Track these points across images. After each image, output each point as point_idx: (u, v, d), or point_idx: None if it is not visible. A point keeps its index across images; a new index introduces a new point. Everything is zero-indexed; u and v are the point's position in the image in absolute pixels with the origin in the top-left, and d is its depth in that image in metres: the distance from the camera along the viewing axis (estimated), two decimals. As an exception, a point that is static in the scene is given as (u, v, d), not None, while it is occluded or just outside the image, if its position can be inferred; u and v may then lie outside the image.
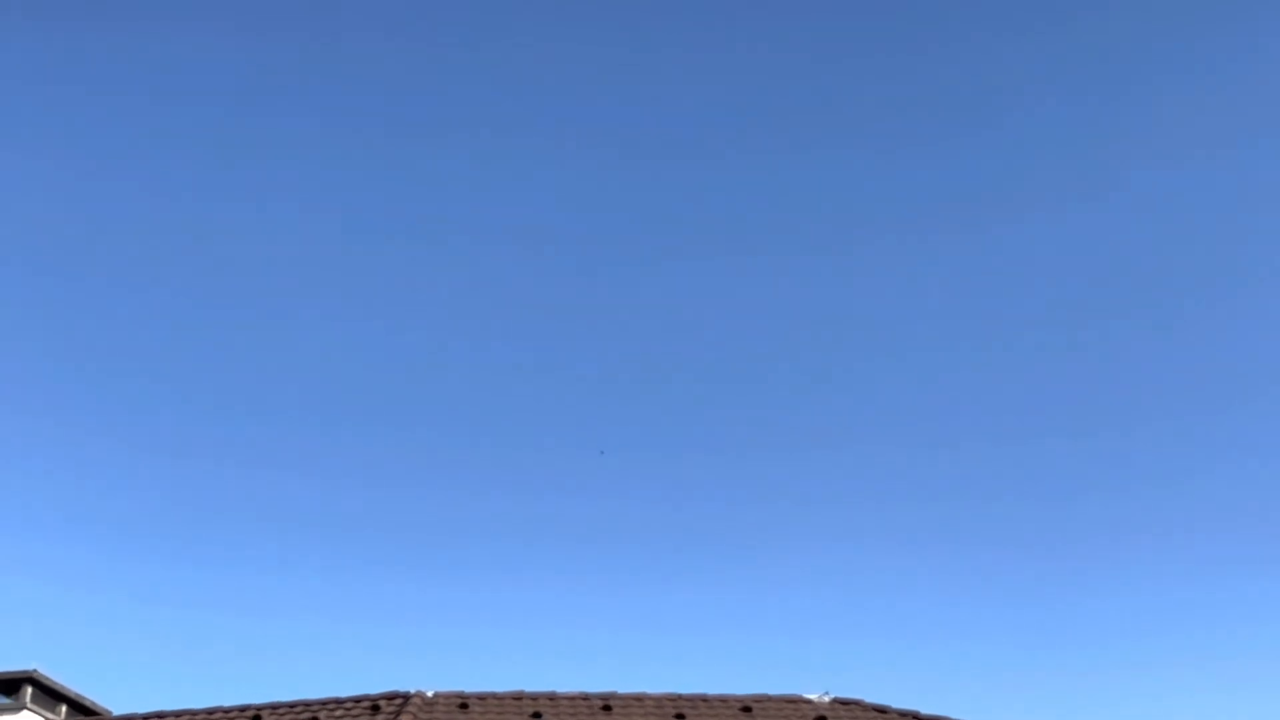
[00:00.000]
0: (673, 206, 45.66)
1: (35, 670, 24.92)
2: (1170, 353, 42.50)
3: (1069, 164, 43.61)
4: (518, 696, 16.88)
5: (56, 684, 25.40)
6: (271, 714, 16.76)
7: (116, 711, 23.00)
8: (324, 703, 16.83)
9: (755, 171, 45.10)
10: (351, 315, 45.36)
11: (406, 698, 16.62)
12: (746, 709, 16.65)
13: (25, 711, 24.84)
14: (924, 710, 16.61)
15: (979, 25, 43.85)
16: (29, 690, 25.02)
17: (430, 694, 16.79)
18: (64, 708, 25.88)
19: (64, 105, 45.58)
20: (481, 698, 16.80)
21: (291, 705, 16.94)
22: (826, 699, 17.06)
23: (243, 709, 17.01)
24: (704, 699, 16.90)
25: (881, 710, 16.76)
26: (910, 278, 43.44)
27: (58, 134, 45.60)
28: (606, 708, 16.56)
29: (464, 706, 16.51)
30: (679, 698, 16.89)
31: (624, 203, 46.19)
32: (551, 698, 16.87)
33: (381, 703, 16.59)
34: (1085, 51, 43.68)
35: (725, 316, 44.47)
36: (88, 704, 26.09)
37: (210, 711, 17.14)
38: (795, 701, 17.00)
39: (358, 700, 16.77)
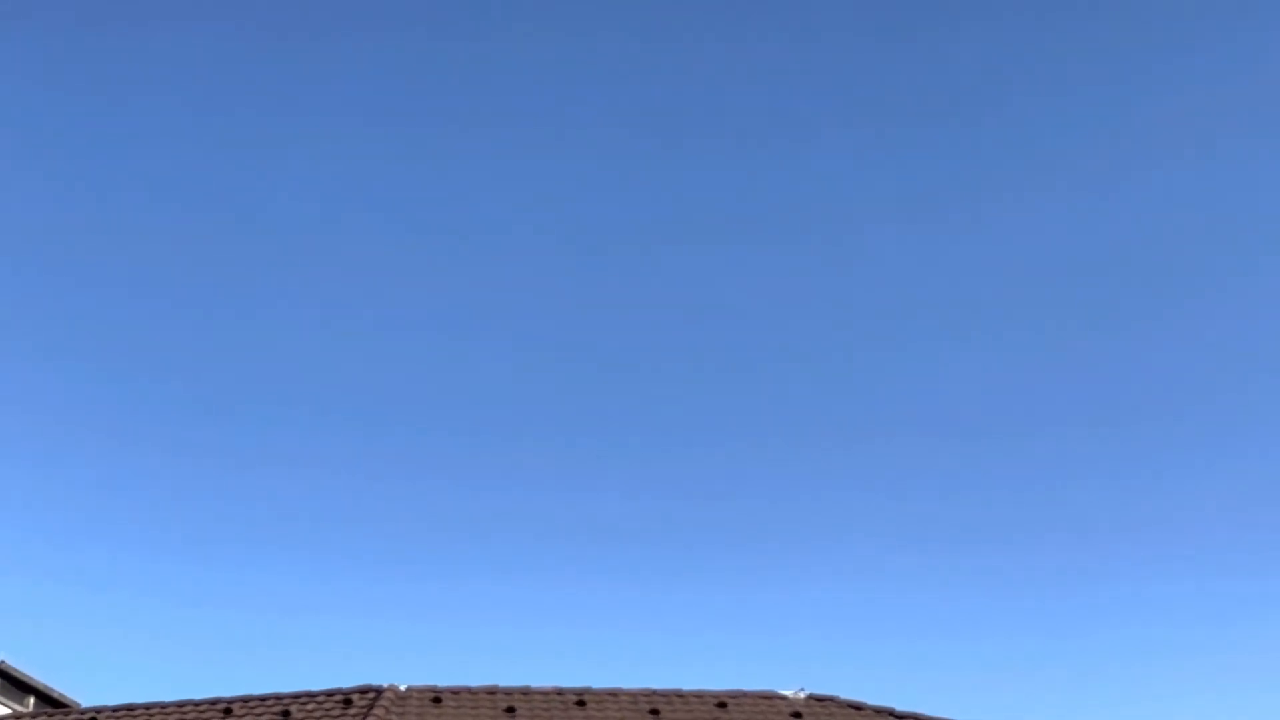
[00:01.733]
0: (672, 199, 45.46)
1: (3, 661, 24.65)
2: (1168, 347, 42.54)
3: (1070, 157, 43.59)
4: (491, 691, 16.78)
5: (24, 675, 25.14)
6: (243, 707, 16.65)
7: (85, 704, 22.82)
8: (296, 696, 16.73)
9: (754, 163, 44.88)
10: (332, 305, 45.04)
11: (379, 692, 16.51)
12: (722, 705, 16.59)
13: (-8, 703, 24.64)
14: (899, 707, 16.62)
15: (980, 15, 43.76)
16: (-4, 681, 24.82)
17: (403, 688, 16.69)
18: (32, 699, 25.63)
19: (64, 103, 45.14)
20: (455, 692, 16.70)
21: (263, 699, 16.84)
22: (802, 695, 17.03)
23: (213, 702, 16.90)
24: (679, 694, 16.85)
25: (857, 707, 16.74)
26: (904, 270, 43.28)
27: (58, 132, 45.16)
28: (581, 703, 16.48)
29: (437, 701, 16.41)
30: (654, 693, 16.82)
31: (624, 195, 45.97)
32: (525, 692, 16.78)
33: (354, 697, 16.48)
34: (1086, 45, 43.69)
35: (704, 308, 44.34)
36: (56, 696, 25.84)
37: (180, 705, 17.03)
38: (770, 698, 16.97)
39: (330, 694, 16.66)
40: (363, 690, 16.62)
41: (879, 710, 16.60)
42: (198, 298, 43.83)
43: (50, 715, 19.49)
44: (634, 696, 16.72)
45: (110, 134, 44.83)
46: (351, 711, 16.01)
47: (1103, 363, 41.91)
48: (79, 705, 23.66)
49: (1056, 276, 42.61)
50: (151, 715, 16.81)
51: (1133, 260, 42.56)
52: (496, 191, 44.40)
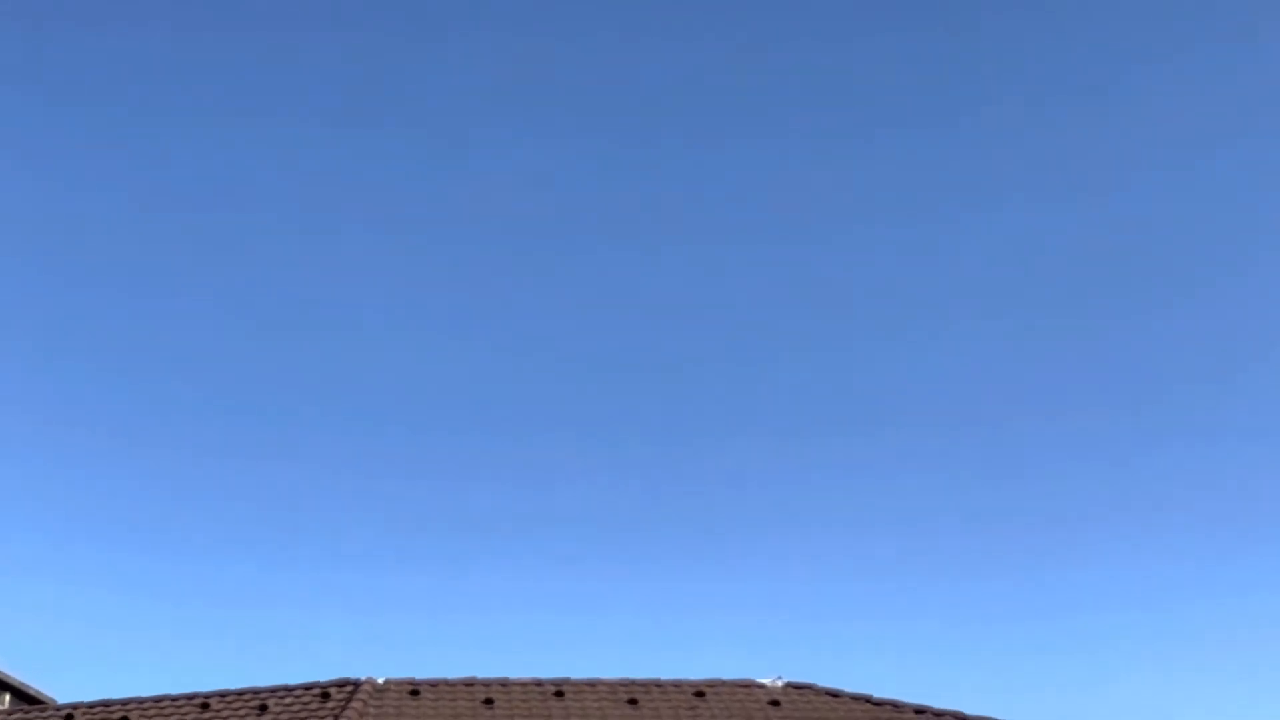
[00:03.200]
0: (670, 197, 45.37)
1: (-22, 659, 24.60)
2: (1159, 343, 42.78)
3: (1067, 156, 43.72)
4: (469, 683, 16.79)
5: (0, 672, 25.07)
6: (220, 702, 16.62)
7: (62, 700, 22.71)
8: (273, 690, 16.70)
9: (752, 161, 44.83)
10: (329, 304, 44.87)
11: (357, 685, 16.50)
12: (700, 694, 16.64)
13: (-32, 701, 24.53)
14: (877, 694, 16.69)
15: (978, 14, 43.85)
16: (-29, 679, 24.71)
17: (381, 681, 16.68)
18: (8, 696, 25.53)
19: (64, 103, 44.83)
20: (433, 685, 16.70)
21: (240, 693, 16.80)
22: (779, 683, 17.10)
23: (190, 697, 16.87)
24: (657, 684, 16.89)
25: (834, 694, 16.81)
26: (898, 267, 43.26)
27: (58, 132, 44.81)
28: (559, 694, 16.51)
29: (415, 694, 16.40)
30: (632, 683, 16.86)
31: (622, 193, 45.83)
32: (504, 684, 16.79)
33: (332, 690, 16.46)
34: (1083, 44, 43.83)
35: (699, 307, 44.34)
36: (32, 693, 25.75)
37: (158, 700, 16.99)
38: (748, 686, 17.02)
39: (308, 688, 16.64)
40: (340, 684, 16.61)
41: (856, 697, 16.68)
42: (195, 297, 43.66)
43: (26, 712, 19.39)
44: (612, 687, 16.76)
45: (109, 134, 44.55)
46: (329, 705, 16.00)
47: (1093, 357, 42.12)
48: (55, 702, 23.56)
49: (1050, 274, 42.76)
50: (129, 711, 16.76)
51: (1127, 258, 42.74)
52: (495, 190, 44.29)
